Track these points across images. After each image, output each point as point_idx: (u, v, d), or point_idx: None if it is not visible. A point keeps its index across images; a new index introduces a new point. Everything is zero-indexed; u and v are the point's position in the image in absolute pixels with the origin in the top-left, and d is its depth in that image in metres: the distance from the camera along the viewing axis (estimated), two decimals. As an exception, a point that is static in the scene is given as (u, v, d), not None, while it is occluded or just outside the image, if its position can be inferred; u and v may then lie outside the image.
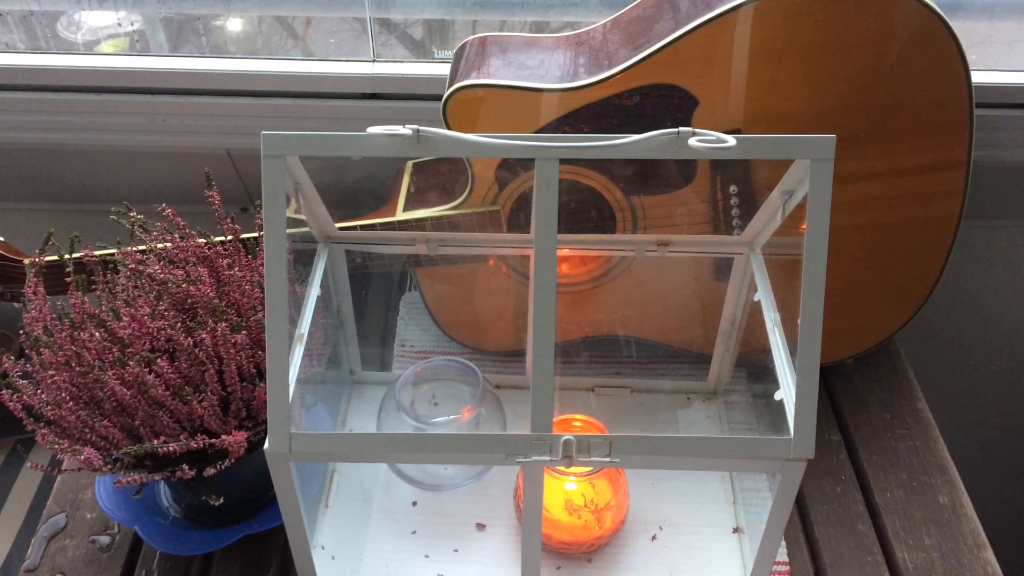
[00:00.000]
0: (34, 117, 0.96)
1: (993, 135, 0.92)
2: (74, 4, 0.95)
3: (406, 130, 0.54)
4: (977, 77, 0.75)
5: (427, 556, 0.74)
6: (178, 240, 0.71)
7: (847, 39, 0.72)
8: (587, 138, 0.55)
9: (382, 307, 0.98)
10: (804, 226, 0.56)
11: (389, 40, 1.00)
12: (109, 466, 0.64)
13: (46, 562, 0.75)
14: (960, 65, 0.73)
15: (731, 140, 0.53)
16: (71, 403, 0.64)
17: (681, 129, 0.54)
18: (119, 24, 1.02)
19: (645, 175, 0.78)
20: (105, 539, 0.77)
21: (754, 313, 0.72)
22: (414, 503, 0.78)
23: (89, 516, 0.78)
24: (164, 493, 0.76)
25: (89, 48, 1.01)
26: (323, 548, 0.75)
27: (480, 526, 0.77)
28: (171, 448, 0.62)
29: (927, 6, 0.70)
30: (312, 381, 0.72)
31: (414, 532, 0.76)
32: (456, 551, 0.75)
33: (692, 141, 0.54)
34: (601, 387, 0.88)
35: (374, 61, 0.93)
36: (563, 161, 0.55)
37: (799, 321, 0.56)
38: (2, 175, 1.04)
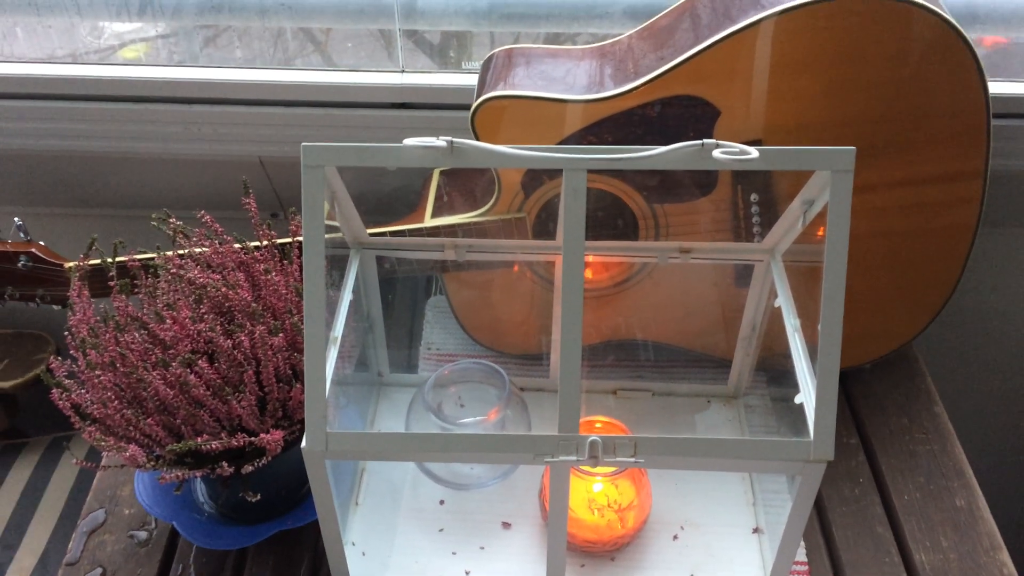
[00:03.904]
0: (73, 125, 0.99)
1: (1010, 145, 0.94)
2: (113, 15, 0.98)
3: (440, 142, 0.56)
4: (994, 88, 0.77)
5: (454, 553, 0.76)
6: (216, 246, 0.74)
7: (865, 52, 0.73)
8: (614, 149, 0.57)
9: (409, 311, 1.00)
10: (823, 234, 0.57)
11: (407, 44, 1.02)
12: (152, 463, 0.66)
13: (86, 556, 0.78)
14: (977, 76, 0.74)
15: (754, 152, 0.55)
16: (116, 402, 0.67)
17: (705, 141, 0.56)
18: (152, 33, 1.05)
19: (668, 184, 0.80)
20: (143, 534, 0.80)
21: (774, 319, 0.74)
22: (441, 502, 0.80)
23: (128, 512, 0.81)
24: (201, 490, 0.79)
25: (112, 52, 1.03)
26: (354, 544, 0.77)
27: (506, 525, 0.79)
28: (213, 446, 0.65)
29: (944, 19, 0.72)
30: (344, 383, 0.74)
31: (441, 530, 0.78)
32: (482, 548, 0.77)
33: (716, 153, 0.56)
34: (623, 390, 0.90)
35: (403, 72, 0.96)
36: (590, 171, 0.58)
37: (819, 327, 0.57)
38: (42, 182, 1.07)
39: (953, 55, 0.73)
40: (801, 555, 0.77)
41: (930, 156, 0.77)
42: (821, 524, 0.80)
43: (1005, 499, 1.07)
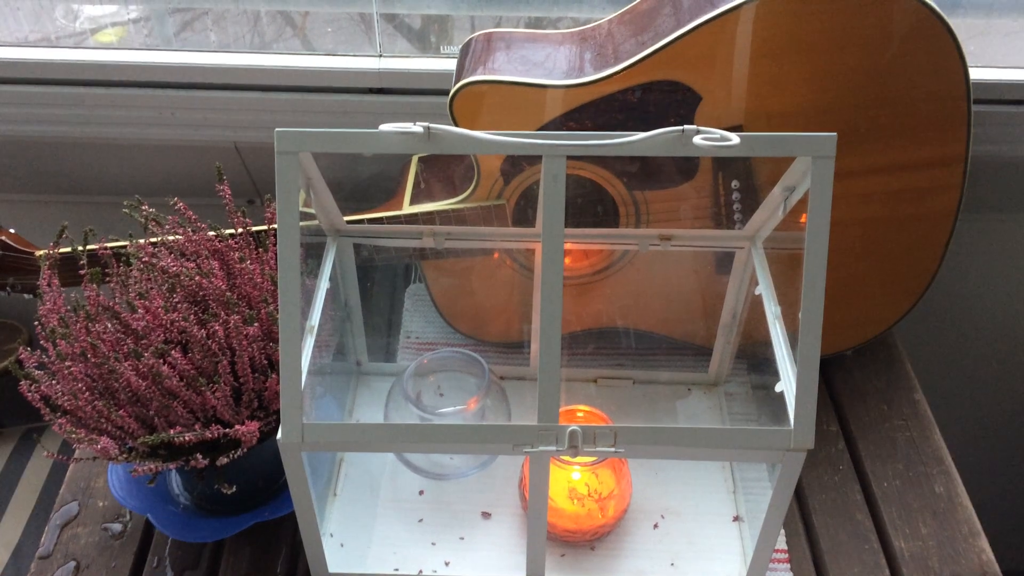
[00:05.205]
0: (44, 110, 0.97)
1: (991, 131, 0.94)
2: (85, -1, 0.96)
3: (417, 127, 0.55)
4: (975, 74, 0.77)
5: (434, 544, 0.76)
6: (190, 233, 0.73)
7: (847, 37, 0.73)
8: (594, 135, 0.56)
9: (387, 299, 0.99)
10: (805, 221, 0.57)
11: (387, 29, 1.01)
12: (124, 455, 0.65)
13: (59, 549, 0.77)
14: (958, 62, 0.74)
15: (735, 138, 0.55)
16: (87, 393, 0.65)
17: (686, 127, 0.55)
18: (127, 15, 1.03)
19: (648, 170, 0.80)
20: (117, 527, 0.78)
21: (755, 306, 0.73)
22: (420, 492, 0.80)
23: (101, 504, 0.80)
24: (175, 481, 0.78)
25: (87, 36, 1.02)
26: (332, 536, 0.76)
27: (485, 515, 0.78)
28: (186, 438, 0.63)
29: (925, 5, 0.71)
30: (321, 372, 0.73)
31: (421, 520, 0.78)
32: (462, 539, 0.76)
33: (697, 139, 0.55)
34: (604, 378, 0.89)
35: (380, 56, 0.94)
36: (570, 157, 0.57)
37: (800, 314, 0.57)
38: (12, 167, 1.05)
39: (934, 40, 0.73)
40: (781, 543, 0.77)
41: (911, 142, 0.77)
42: (801, 512, 0.80)
43: (984, 486, 1.08)
